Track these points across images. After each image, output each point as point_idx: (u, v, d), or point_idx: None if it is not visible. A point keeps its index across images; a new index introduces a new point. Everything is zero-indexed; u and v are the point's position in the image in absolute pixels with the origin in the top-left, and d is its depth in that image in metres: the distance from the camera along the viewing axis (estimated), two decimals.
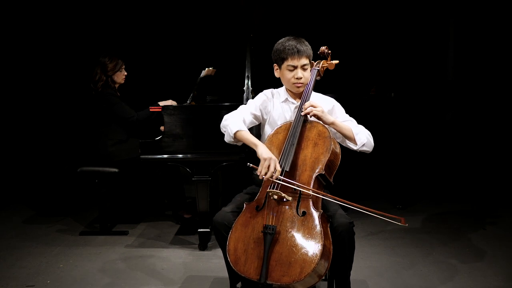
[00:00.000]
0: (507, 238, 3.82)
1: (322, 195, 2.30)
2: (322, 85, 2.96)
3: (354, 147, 2.48)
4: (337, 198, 2.29)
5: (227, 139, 2.50)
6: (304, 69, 2.52)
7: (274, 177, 2.25)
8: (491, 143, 5.83)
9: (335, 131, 2.48)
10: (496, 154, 5.77)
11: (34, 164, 6.06)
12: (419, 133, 4.79)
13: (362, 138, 2.47)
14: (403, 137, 4.52)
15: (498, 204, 4.77)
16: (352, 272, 2.45)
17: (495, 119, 5.84)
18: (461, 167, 5.81)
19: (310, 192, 2.26)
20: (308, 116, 2.42)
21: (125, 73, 4.25)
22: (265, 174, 2.24)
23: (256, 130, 3.27)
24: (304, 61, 2.51)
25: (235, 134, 2.43)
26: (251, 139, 2.39)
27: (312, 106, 2.41)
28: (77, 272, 3.33)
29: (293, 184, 2.27)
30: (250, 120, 2.59)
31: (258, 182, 2.45)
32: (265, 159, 2.26)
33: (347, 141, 2.50)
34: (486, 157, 5.82)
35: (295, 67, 2.51)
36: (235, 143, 2.49)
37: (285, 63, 2.52)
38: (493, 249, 3.58)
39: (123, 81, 4.26)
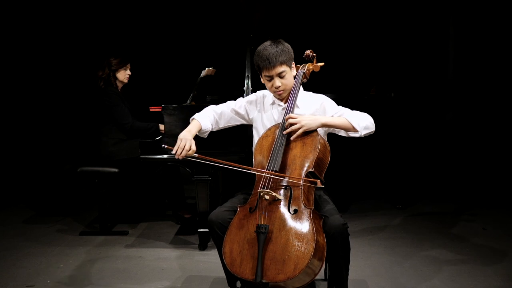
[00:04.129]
0: (507, 238, 3.82)
1: (236, 167, 2.37)
2: (322, 85, 2.96)
3: (358, 135, 2.44)
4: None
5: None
6: (281, 77, 2.50)
7: (188, 155, 2.39)
8: (491, 143, 5.83)
9: (333, 128, 2.48)
10: (496, 154, 5.77)
11: (34, 164, 6.06)
12: (419, 133, 4.79)
13: (361, 123, 2.43)
14: (403, 137, 4.52)
15: (498, 204, 4.77)
16: (352, 272, 2.45)
17: (495, 119, 5.84)
18: (461, 167, 5.81)
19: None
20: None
21: (129, 73, 4.25)
22: (180, 153, 2.38)
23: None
24: (279, 69, 2.47)
25: (191, 119, 2.59)
26: (189, 126, 2.52)
27: (290, 124, 2.40)
28: (77, 272, 3.33)
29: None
30: (230, 116, 2.68)
31: (253, 182, 2.46)
32: (180, 140, 2.41)
33: (349, 132, 2.46)
34: (486, 157, 5.82)
35: (271, 78, 2.50)
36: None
37: (263, 73, 2.53)
38: (493, 249, 3.58)
39: (126, 81, 4.25)
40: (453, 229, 4.06)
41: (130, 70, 4.28)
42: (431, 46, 5.97)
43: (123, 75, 4.22)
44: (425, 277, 3.13)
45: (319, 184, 2.31)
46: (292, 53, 2.54)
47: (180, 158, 2.39)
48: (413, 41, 5.89)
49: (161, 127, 4.02)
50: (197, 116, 2.59)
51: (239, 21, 5.72)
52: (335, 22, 5.84)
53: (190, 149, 2.39)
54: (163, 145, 2.49)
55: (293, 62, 2.56)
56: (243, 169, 2.38)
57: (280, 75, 2.49)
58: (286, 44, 2.54)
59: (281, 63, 2.47)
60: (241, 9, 5.76)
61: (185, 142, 2.40)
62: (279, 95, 2.55)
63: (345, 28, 5.83)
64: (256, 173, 2.41)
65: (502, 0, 5.63)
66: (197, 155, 2.41)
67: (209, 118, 2.61)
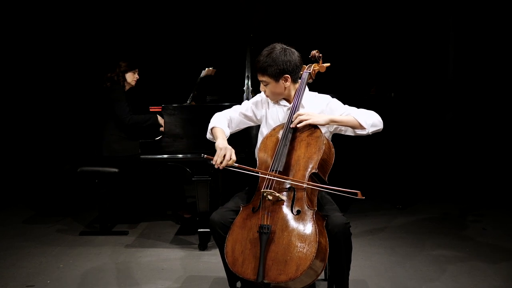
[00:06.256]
0: (507, 238, 3.82)
1: (300, 182, 2.31)
2: (322, 86, 2.96)
3: (365, 132, 2.44)
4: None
5: (207, 135, 2.62)
6: (264, 85, 2.53)
7: (228, 165, 2.34)
8: (491, 143, 5.83)
9: (341, 126, 2.47)
10: (496, 154, 5.78)
11: (34, 164, 6.06)
12: (419, 133, 4.78)
13: (368, 120, 2.42)
14: (403, 137, 4.52)
15: (498, 204, 4.77)
16: (352, 272, 2.45)
17: (495, 119, 5.84)
18: (461, 167, 5.81)
19: (285, 181, 2.32)
20: (300, 126, 2.41)
21: (137, 77, 4.35)
22: (220, 163, 2.33)
23: (256, 130, 3.27)
24: (261, 78, 2.50)
25: (211, 129, 2.56)
26: (217, 134, 2.49)
27: (300, 118, 2.39)
28: (77, 272, 3.33)
29: (255, 171, 2.36)
30: (239, 120, 2.67)
31: (256, 181, 2.46)
32: (220, 149, 2.37)
33: (356, 130, 2.45)
34: (486, 157, 5.82)
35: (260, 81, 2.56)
36: (213, 140, 2.57)
37: None
38: (493, 249, 3.59)
39: (133, 84, 4.34)
40: (453, 229, 4.06)
41: (138, 75, 4.37)
42: (431, 47, 5.97)
43: (131, 77, 4.31)
44: (425, 277, 3.13)
45: (359, 196, 2.21)
46: (288, 67, 2.45)
47: (221, 168, 2.34)
48: (413, 41, 5.89)
49: (160, 120, 4.04)
50: (216, 124, 2.56)
51: (239, 21, 5.72)
52: (335, 22, 5.84)
53: (230, 159, 2.34)
54: (202, 154, 2.39)
55: (287, 76, 2.47)
56: (278, 178, 2.31)
57: (262, 82, 2.53)
58: (288, 55, 2.46)
59: (262, 73, 2.48)
60: (241, 9, 5.76)
61: (225, 152, 2.35)
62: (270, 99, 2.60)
63: (345, 29, 5.84)
64: (295, 183, 2.31)
65: (502, 0, 5.63)
66: (237, 165, 2.36)
67: (226, 124, 2.61)
